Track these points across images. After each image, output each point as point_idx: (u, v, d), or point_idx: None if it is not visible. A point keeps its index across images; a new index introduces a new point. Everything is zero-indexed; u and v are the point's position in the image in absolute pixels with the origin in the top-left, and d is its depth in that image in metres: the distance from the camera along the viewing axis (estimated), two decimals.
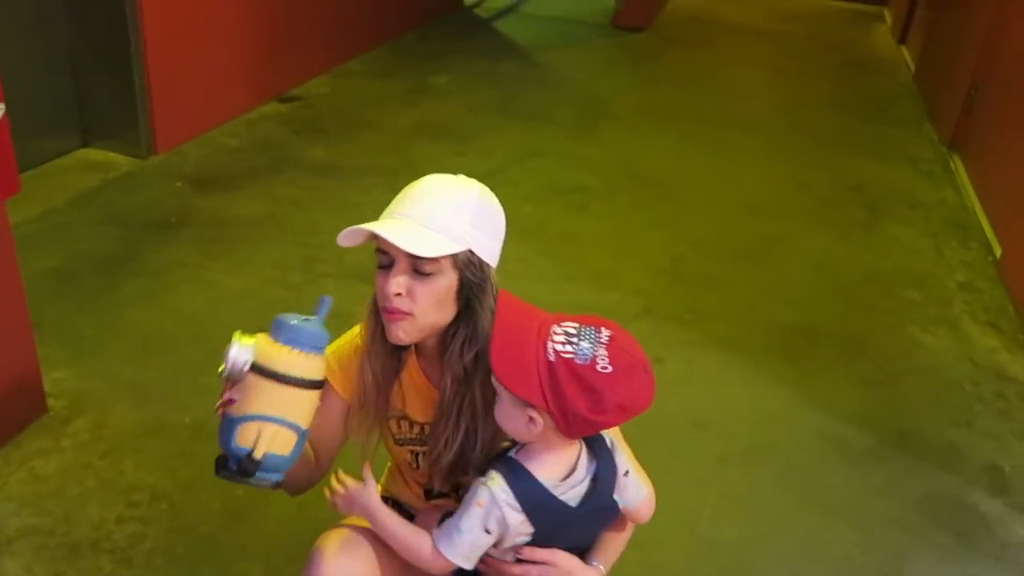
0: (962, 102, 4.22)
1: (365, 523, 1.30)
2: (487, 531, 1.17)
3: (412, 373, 1.35)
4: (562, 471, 1.19)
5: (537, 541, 1.20)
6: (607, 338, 1.14)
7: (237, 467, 1.15)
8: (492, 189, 1.27)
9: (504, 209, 1.28)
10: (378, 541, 1.30)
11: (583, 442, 1.22)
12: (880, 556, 2.00)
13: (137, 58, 3.49)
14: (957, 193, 3.91)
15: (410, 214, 1.22)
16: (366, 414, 1.37)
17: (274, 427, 1.14)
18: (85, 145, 3.69)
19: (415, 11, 5.88)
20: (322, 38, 4.81)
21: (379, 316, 1.28)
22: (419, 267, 1.20)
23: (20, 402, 2.16)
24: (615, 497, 1.23)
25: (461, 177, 1.27)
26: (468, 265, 1.22)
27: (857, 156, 4.29)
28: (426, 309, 1.23)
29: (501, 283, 1.29)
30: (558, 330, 1.15)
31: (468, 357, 1.26)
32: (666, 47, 6.10)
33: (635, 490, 1.28)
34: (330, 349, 1.30)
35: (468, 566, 1.20)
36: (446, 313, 1.25)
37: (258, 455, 1.15)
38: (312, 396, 1.19)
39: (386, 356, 1.34)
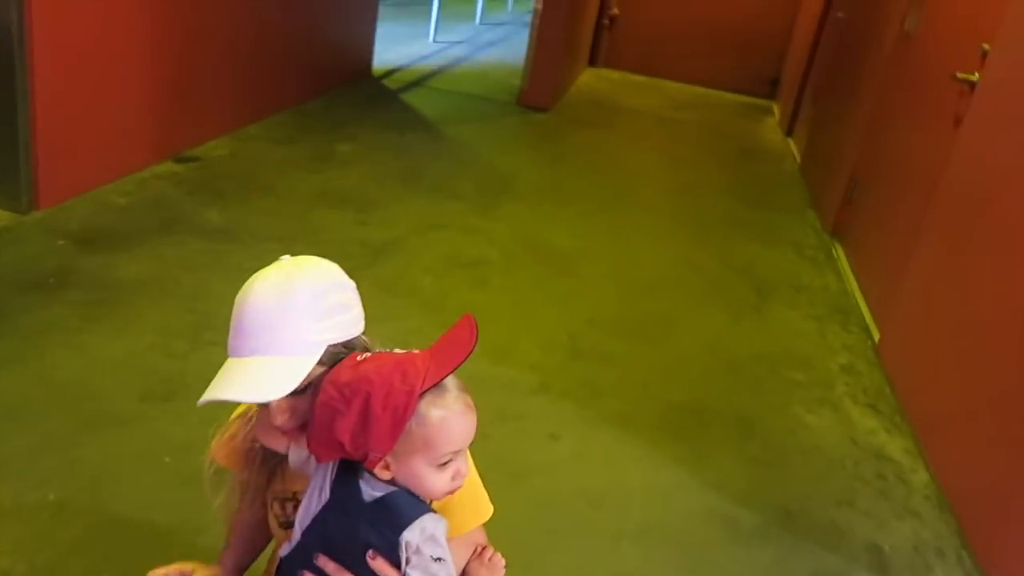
0: (843, 192, 4.48)
1: None
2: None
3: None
4: (378, 477, 1.21)
5: (316, 528, 1.23)
6: None
7: None
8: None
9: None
10: None
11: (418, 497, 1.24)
12: None
13: (23, 104, 3.32)
14: (839, 279, 4.11)
15: (252, 350, 1.19)
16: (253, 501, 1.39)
17: None
18: None
19: (322, 78, 5.88)
20: (225, 99, 4.74)
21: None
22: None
23: None
24: (401, 541, 1.20)
25: (283, 272, 1.21)
26: (333, 357, 1.20)
27: (747, 240, 4.48)
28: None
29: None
30: None
31: None
32: (568, 128, 6.28)
33: None
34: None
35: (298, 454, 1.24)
36: None
37: None
38: None
39: (262, 463, 1.34)
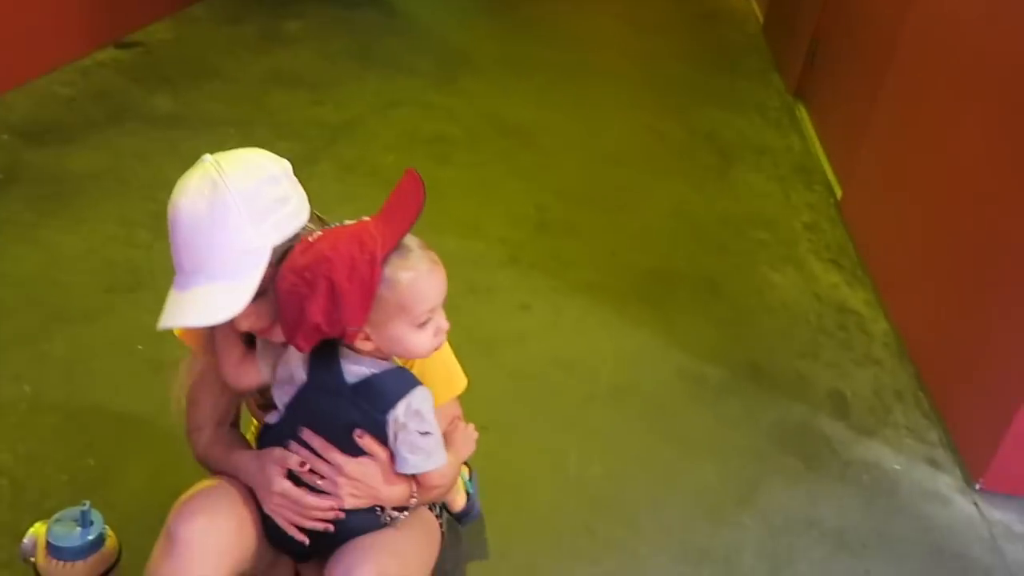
0: (805, 54, 4.42)
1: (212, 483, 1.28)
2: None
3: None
4: (360, 351, 1.22)
5: (305, 395, 1.25)
6: None
7: None
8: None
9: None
10: (232, 495, 1.27)
11: (406, 370, 1.26)
12: (736, 483, 2.11)
13: None
14: (802, 139, 4.11)
15: (196, 268, 1.14)
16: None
17: None
18: None
19: None
20: None
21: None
22: None
23: None
24: (388, 418, 1.23)
25: (205, 180, 1.13)
26: (283, 250, 1.17)
27: (709, 106, 4.43)
28: (274, 309, 1.20)
29: None
30: None
31: None
32: None
33: (411, 452, 1.26)
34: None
35: (259, 356, 1.27)
36: None
37: None
38: None
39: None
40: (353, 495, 1.24)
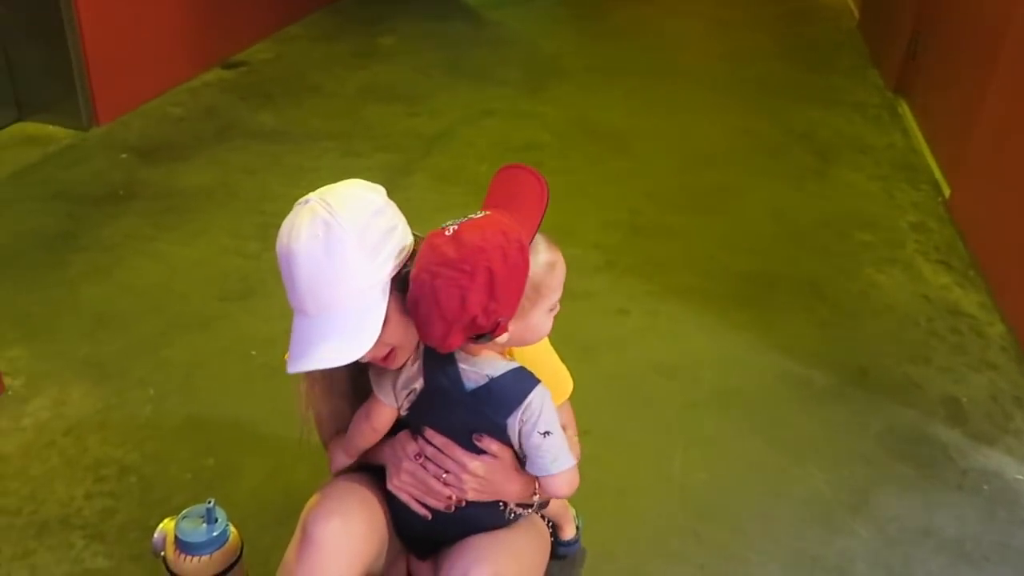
0: (906, 48, 4.28)
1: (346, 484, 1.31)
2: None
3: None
4: (475, 352, 1.23)
5: (424, 401, 1.25)
6: None
7: None
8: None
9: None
10: (365, 495, 1.30)
11: (523, 366, 1.26)
12: (847, 491, 2.05)
13: (71, 27, 3.35)
14: (905, 136, 3.98)
15: (320, 309, 1.15)
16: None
17: None
18: (20, 119, 3.56)
19: None
20: (263, 1, 4.68)
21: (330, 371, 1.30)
22: None
23: None
24: (507, 423, 1.23)
25: (316, 222, 1.12)
26: (398, 281, 1.18)
27: (804, 104, 4.34)
28: (397, 335, 1.21)
29: None
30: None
31: None
32: (610, 3, 6.06)
33: (540, 455, 1.25)
34: None
35: (381, 394, 1.29)
36: (410, 325, 1.21)
37: None
38: None
39: (352, 389, 1.38)
40: (476, 490, 1.26)
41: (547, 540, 1.48)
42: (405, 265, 1.19)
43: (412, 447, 1.29)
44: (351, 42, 4.83)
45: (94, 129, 3.54)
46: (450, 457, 1.26)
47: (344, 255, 1.12)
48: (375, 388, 1.30)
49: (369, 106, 4.01)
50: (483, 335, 1.16)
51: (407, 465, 1.29)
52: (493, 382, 1.22)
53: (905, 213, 3.31)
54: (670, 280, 2.83)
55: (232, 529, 1.57)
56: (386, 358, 1.24)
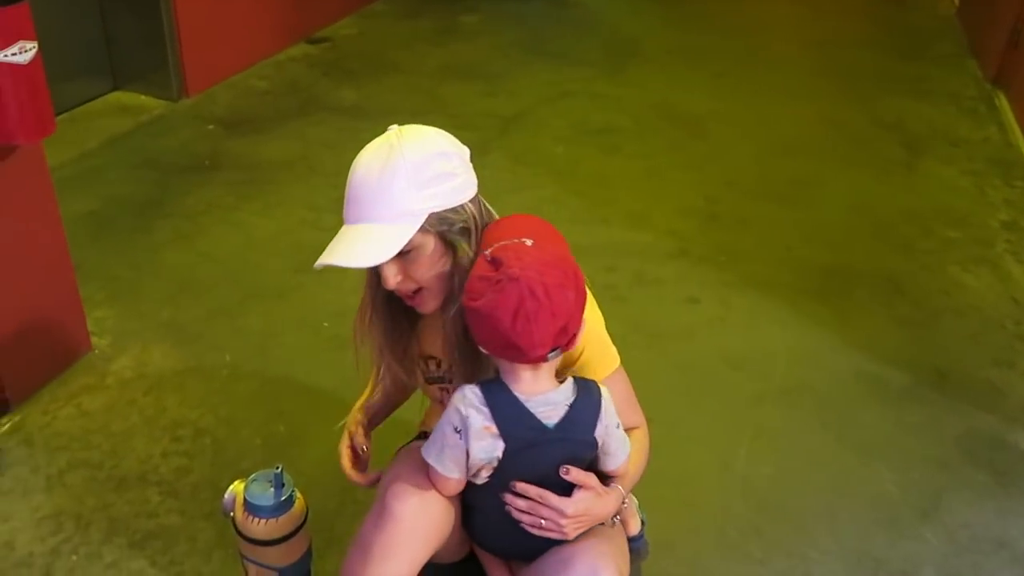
0: (1007, 37, 4.08)
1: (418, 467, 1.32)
2: (455, 430, 1.20)
3: (426, 316, 1.38)
4: (538, 389, 1.22)
5: (508, 459, 1.22)
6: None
7: None
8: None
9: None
10: None
11: (572, 375, 1.26)
12: (917, 494, 1.99)
13: (165, 1, 3.46)
14: (1001, 130, 3.80)
15: (358, 218, 1.25)
16: (388, 365, 1.47)
17: (256, 568, 1.61)
18: (116, 88, 3.69)
19: None
20: None
21: (373, 292, 1.37)
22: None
23: (65, 340, 2.20)
24: (595, 436, 1.24)
25: (387, 143, 1.25)
26: (440, 222, 1.25)
27: (896, 94, 4.18)
28: (426, 276, 1.28)
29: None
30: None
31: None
32: None
33: (618, 445, 1.29)
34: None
35: (444, 471, 1.24)
36: (444, 265, 1.29)
37: None
38: (276, 548, 1.57)
39: (390, 319, 1.41)
40: (577, 529, 1.27)
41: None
42: (450, 224, 1.25)
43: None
44: (433, 19, 4.85)
45: (183, 100, 3.65)
46: (546, 506, 1.25)
47: (393, 177, 1.22)
48: (437, 466, 1.24)
49: (448, 84, 4.03)
50: (557, 348, 1.18)
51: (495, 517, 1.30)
52: (571, 410, 1.22)
53: (996, 211, 3.17)
54: (744, 270, 2.78)
55: (298, 495, 1.62)
56: (414, 296, 1.30)
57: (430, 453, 1.25)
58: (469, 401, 1.20)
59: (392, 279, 1.27)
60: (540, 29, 4.86)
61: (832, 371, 2.37)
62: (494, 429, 1.19)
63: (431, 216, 1.24)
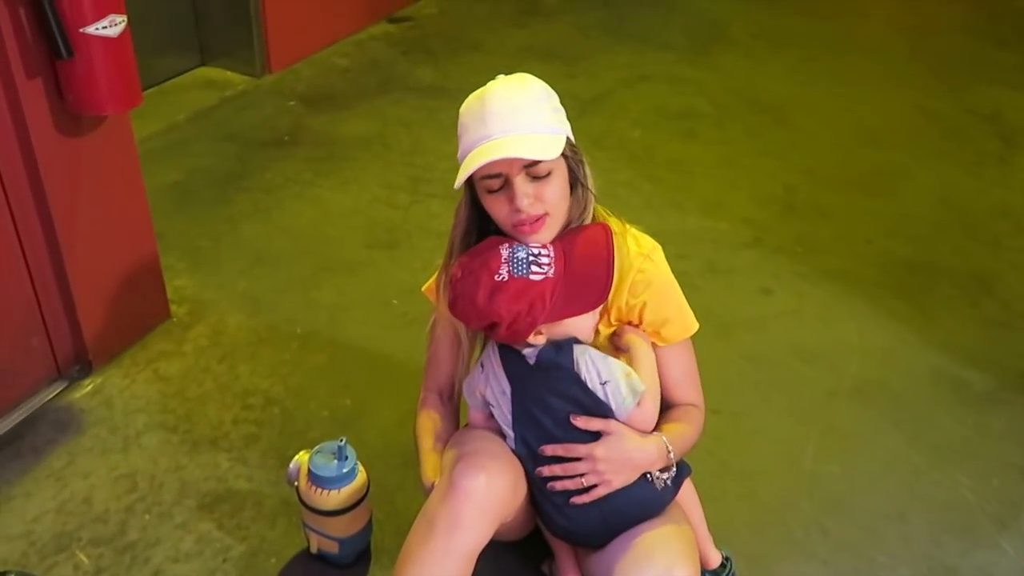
0: None
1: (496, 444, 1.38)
2: (480, 366, 1.41)
3: None
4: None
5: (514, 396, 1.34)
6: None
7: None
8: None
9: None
10: (514, 462, 1.37)
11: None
12: (997, 502, 1.91)
13: None
14: None
15: (507, 130, 1.25)
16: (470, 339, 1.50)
17: (318, 537, 1.67)
18: (203, 64, 3.79)
19: None
20: None
21: (463, 239, 1.40)
22: (535, 173, 1.26)
23: (146, 307, 2.28)
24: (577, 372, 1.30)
25: (516, 76, 1.34)
26: (571, 152, 1.31)
27: (993, 84, 3.98)
28: (557, 204, 1.31)
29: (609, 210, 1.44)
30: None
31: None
32: None
33: (621, 396, 1.31)
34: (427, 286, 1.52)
35: (475, 403, 1.44)
36: (567, 202, 1.34)
37: (314, 551, 1.71)
38: (337, 519, 1.61)
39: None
40: (617, 473, 1.27)
41: None
42: (575, 155, 1.34)
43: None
44: (514, 0, 4.83)
45: (267, 76, 3.72)
46: (576, 456, 1.27)
47: (538, 98, 1.30)
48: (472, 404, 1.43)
49: (527, 65, 3.94)
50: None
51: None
52: (542, 351, 1.35)
53: None
54: (821, 262, 2.70)
55: (361, 468, 1.65)
56: (536, 222, 1.31)
57: (465, 390, 1.47)
58: (489, 351, 1.43)
59: (525, 199, 1.28)
60: (622, 10, 4.79)
61: (909, 370, 2.29)
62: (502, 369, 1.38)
63: (568, 141, 1.30)
